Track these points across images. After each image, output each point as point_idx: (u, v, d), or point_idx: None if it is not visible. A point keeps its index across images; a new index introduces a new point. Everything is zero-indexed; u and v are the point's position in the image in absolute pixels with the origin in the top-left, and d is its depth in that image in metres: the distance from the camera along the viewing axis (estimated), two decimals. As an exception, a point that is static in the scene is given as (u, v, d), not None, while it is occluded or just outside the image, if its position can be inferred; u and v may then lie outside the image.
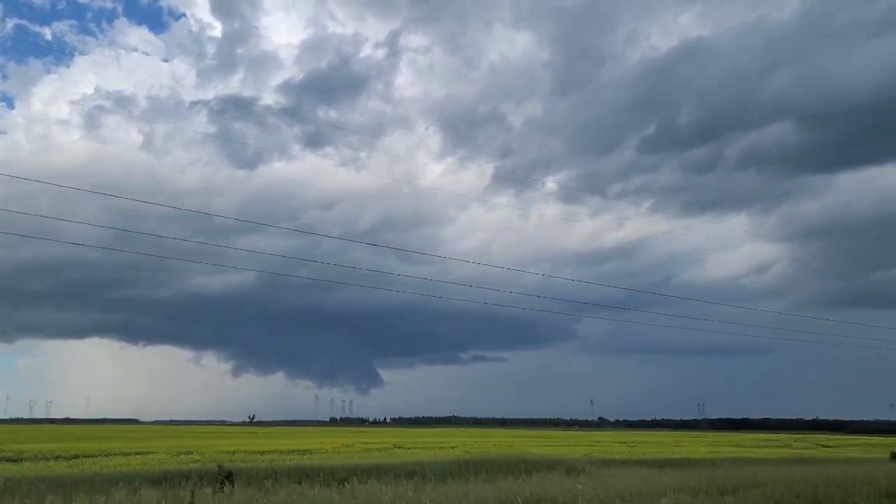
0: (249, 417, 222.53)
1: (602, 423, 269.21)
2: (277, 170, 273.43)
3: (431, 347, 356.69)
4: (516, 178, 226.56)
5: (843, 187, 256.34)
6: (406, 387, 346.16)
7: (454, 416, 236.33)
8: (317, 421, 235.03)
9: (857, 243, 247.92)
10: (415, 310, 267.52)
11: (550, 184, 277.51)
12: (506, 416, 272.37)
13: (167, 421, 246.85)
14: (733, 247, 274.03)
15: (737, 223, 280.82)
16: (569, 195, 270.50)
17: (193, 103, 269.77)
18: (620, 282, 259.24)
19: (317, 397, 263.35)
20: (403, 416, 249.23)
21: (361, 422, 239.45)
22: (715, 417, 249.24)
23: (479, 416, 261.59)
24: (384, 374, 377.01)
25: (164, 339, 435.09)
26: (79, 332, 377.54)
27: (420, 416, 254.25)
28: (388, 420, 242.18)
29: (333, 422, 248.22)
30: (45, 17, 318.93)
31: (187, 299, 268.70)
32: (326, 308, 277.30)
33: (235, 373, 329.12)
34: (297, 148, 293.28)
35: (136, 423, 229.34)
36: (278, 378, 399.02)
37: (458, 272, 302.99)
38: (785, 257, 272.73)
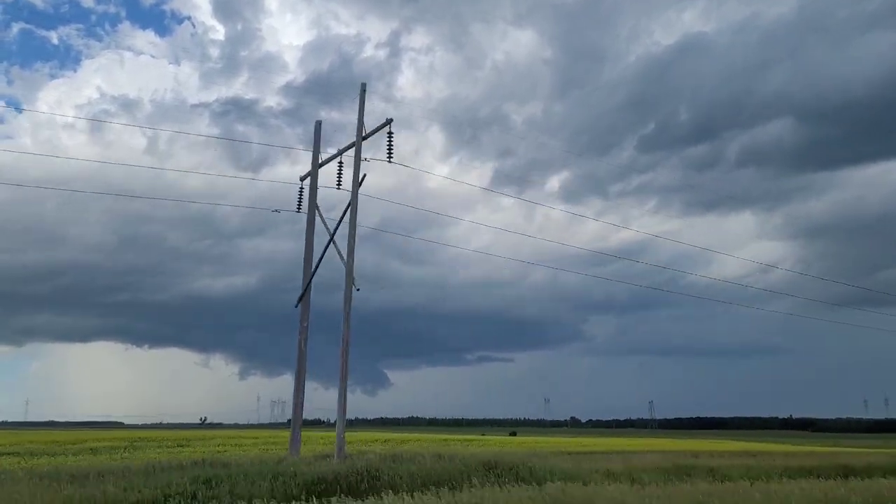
0: (201, 419, 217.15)
1: (573, 424, 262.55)
2: (281, 172, 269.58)
3: (430, 350, 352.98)
4: (520, 179, 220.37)
5: (847, 184, 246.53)
6: (403, 389, 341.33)
7: (414, 417, 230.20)
8: (272, 424, 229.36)
9: (863, 241, 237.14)
10: (419, 311, 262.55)
11: (554, 184, 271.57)
12: (483, 417, 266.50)
13: (154, 424, 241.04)
14: (739, 246, 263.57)
15: (742, 222, 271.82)
16: (572, 195, 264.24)
17: (195, 106, 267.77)
18: (625, 283, 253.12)
19: (258, 398, 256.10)
20: (361, 416, 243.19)
21: (318, 423, 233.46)
22: (687, 417, 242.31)
23: (445, 416, 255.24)
24: (391, 375, 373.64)
25: (168, 341, 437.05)
26: (84, 335, 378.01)
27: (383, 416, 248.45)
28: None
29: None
30: (50, 22, 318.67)
31: (191, 302, 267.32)
32: (330, 309, 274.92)
33: (242, 375, 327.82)
34: (300, 150, 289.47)
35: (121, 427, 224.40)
36: (285, 379, 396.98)
37: (463, 273, 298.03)
38: (791, 256, 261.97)
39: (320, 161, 23.51)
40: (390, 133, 21.07)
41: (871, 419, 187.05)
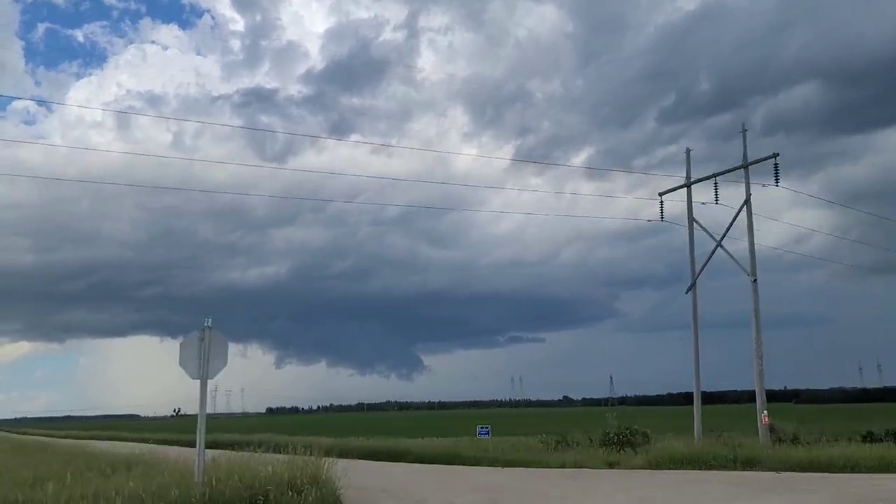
0: (175, 411, 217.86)
1: (565, 403, 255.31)
2: (307, 161, 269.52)
3: (463, 332, 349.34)
4: (547, 156, 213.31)
5: (884, 147, 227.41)
6: (438, 373, 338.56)
7: (392, 403, 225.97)
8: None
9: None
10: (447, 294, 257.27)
11: (580, 159, 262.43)
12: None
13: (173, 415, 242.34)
14: (773, 215, 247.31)
15: (775, 190, 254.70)
16: (597, 171, 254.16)
17: (215, 98, 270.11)
18: (660, 257, 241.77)
19: (231, 392, 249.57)
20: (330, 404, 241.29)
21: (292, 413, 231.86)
22: (678, 392, 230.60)
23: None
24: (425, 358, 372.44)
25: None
26: (121, 329, 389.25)
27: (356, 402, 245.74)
28: (316, 409, 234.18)
29: (270, 412, 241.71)
30: (72, 21, 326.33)
31: (224, 293, 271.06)
32: (363, 296, 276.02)
33: (278, 364, 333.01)
34: (324, 137, 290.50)
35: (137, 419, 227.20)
36: (321, 367, 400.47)
37: (493, 254, 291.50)
38: (827, 224, 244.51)
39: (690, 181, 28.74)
40: (776, 165, 26.45)
41: (860, 388, 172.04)
